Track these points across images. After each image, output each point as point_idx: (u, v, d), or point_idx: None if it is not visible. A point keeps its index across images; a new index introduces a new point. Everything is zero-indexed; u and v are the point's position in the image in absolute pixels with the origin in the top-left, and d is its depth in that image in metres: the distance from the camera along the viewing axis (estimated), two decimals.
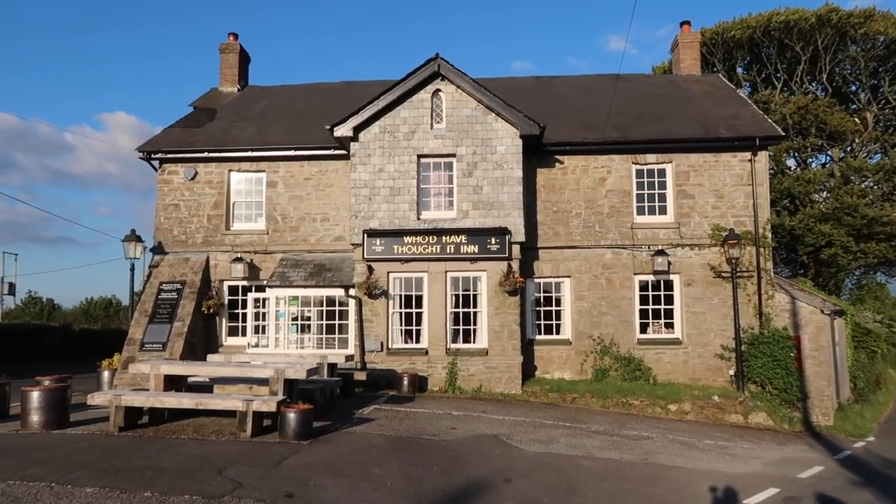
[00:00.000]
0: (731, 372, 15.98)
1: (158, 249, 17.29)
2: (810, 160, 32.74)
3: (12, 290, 35.86)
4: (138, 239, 17.05)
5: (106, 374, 15.26)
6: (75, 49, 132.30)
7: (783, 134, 18.17)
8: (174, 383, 10.41)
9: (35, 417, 9.38)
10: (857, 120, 30.89)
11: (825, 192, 30.17)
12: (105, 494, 6.15)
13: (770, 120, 18.24)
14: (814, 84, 31.78)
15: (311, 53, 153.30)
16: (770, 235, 16.86)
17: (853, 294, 34.79)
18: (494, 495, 7.18)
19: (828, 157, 32.47)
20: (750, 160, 16.55)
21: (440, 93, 15.91)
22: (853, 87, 32.32)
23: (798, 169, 31.97)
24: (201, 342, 16.55)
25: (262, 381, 10.24)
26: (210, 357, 12.90)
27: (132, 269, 17.11)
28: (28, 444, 8.46)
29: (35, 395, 9.46)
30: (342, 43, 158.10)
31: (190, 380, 11.28)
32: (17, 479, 6.47)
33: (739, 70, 32.99)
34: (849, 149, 31.74)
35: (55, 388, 9.84)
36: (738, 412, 14.53)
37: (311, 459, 8.01)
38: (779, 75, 31.51)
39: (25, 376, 13.62)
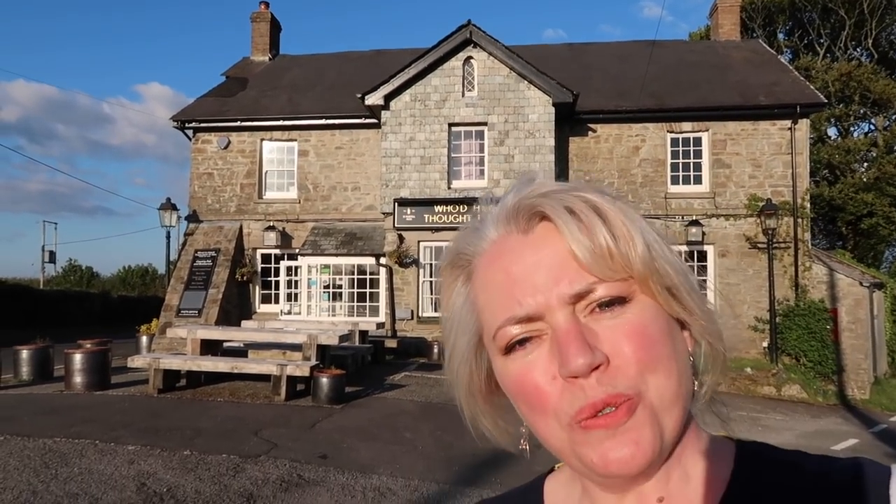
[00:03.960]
0: (765, 344, 15.77)
1: (193, 218, 17.56)
2: (852, 129, 31.73)
3: (53, 258, 36.86)
4: (173, 207, 17.30)
5: (144, 338, 15.66)
6: (111, 24, 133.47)
7: (825, 101, 17.62)
8: (210, 348, 10.64)
9: (78, 379, 9.66)
10: None
11: (866, 163, 29.28)
12: (147, 452, 6.34)
13: (812, 87, 17.69)
14: (858, 49, 30.65)
15: (342, 27, 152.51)
16: (808, 206, 16.46)
17: (893, 266, 33.90)
18: (523, 461, 7.23)
19: (871, 126, 31.44)
20: (790, 128, 16.09)
21: (472, 60, 15.72)
22: None
23: (839, 138, 31.02)
24: (235, 309, 16.85)
25: (296, 347, 10.41)
26: (244, 323, 13.15)
27: (168, 238, 17.42)
28: (72, 403, 8.74)
29: (77, 358, 9.74)
30: (373, 17, 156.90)
31: (225, 345, 11.51)
32: (62, 436, 6.70)
33: (780, 36, 31.91)
34: (894, 117, 30.67)
35: (97, 351, 10.16)
36: (771, 384, 14.37)
37: (343, 423, 8.16)
38: (822, 41, 30.44)
39: (67, 340, 14.03)
